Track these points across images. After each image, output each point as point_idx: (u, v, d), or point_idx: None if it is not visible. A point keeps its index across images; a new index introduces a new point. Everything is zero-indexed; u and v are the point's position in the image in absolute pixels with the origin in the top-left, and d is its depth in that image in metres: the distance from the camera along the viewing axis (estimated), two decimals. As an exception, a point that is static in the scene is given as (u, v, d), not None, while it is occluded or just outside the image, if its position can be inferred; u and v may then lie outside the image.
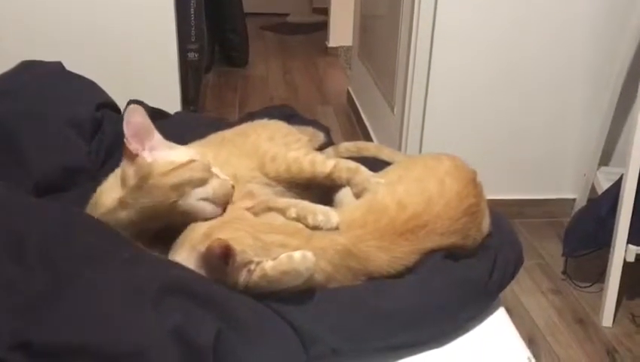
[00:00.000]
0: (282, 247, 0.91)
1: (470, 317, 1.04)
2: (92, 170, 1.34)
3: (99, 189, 1.04)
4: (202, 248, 0.89)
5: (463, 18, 2.26)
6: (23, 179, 1.20)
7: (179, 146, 1.04)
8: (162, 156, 0.99)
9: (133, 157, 0.98)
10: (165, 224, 0.98)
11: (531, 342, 1.91)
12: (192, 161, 0.99)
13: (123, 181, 0.99)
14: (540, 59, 2.33)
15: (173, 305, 0.81)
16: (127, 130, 0.97)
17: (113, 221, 0.98)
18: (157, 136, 1.01)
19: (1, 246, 0.88)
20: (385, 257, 0.99)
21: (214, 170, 1.03)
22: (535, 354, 1.84)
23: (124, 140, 0.98)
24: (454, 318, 1.02)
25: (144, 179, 0.96)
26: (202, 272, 0.90)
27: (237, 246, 0.87)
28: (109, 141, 1.39)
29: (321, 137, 1.46)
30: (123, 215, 0.97)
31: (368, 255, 0.98)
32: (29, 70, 1.48)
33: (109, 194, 1.00)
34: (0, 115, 1.31)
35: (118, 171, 1.02)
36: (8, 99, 1.36)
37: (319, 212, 1.00)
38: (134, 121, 0.98)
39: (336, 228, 0.98)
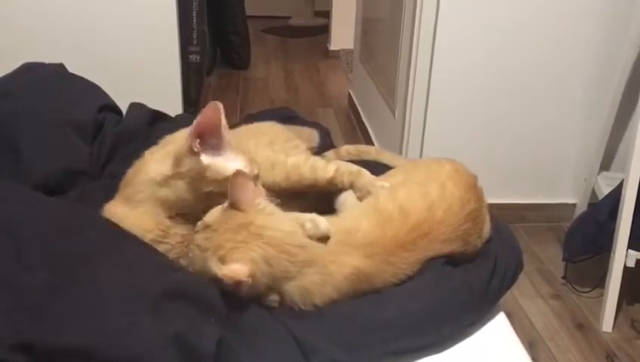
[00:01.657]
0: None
1: (470, 323, 1.04)
2: (93, 172, 1.35)
3: (148, 156, 1.06)
4: (218, 271, 0.88)
5: (464, 22, 2.26)
6: (23, 180, 1.20)
7: (239, 154, 1.05)
8: (217, 163, 1.01)
9: (191, 151, 1.00)
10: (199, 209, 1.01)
11: (531, 346, 1.91)
12: None
13: (176, 161, 1.01)
14: (540, 64, 2.33)
15: (175, 310, 0.81)
16: (194, 125, 0.99)
17: (151, 192, 1.02)
18: (224, 138, 1.02)
19: (0, 242, 0.87)
20: (390, 271, 0.98)
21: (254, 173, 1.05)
22: (535, 359, 1.84)
23: (189, 133, 1.00)
24: (454, 324, 1.01)
25: (194, 176, 1.00)
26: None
27: (249, 272, 0.88)
28: (111, 143, 1.40)
29: (316, 137, 1.45)
30: (162, 192, 1.02)
31: (377, 271, 0.97)
32: (31, 72, 1.48)
33: (158, 166, 1.03)
34: (1, 115, 1.31)
35: (171, 147, 1.04)
36: (10, 100, 1.36)
37: (306, 220, 0.98)
38: (204, 119, 1.00)
39: (327, 234, 0.97)
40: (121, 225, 1.01)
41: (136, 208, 1.02)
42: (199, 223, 0.97)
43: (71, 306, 0.79)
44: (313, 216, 0.99)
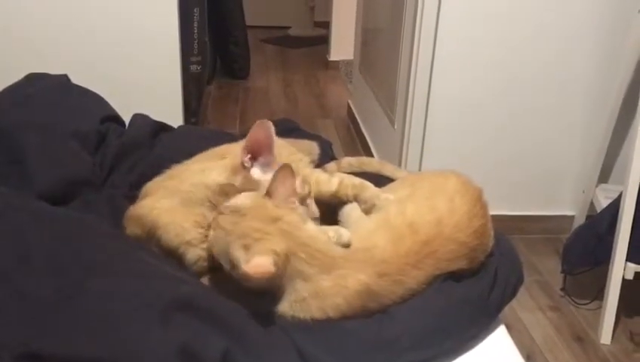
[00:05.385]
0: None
1: (471, 337, 1.05)
2: (96, 182, 1.35)
3: (205, 160, 1.10)
4: (243, 262, 0.89)
5: (464, 34, 2.27)
6: (27, 190, 1.20)
7: None
8: (267, 180, 1.03)
9: (243, 166, 1.05)
10: None
11: (530, 358, 1.91)
12: None
13: (232, 172, 1.06)
14: (539, 77, 2.35)
15: (181, 322, 0.82)
16: (246, 141, 1.04)
17: (204, 196, 1.05)
18: (274, 155, 1.07)
19: (8, 251, 0.88)
20: (400, 291, 0.98)
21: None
22: (534, 371, 1.85)
23: (242, 149, 1.05)
24: (456, 338, 1.02)
25: (246, 190, 1.03)
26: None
27: (273, 263, 0.89)
28: (114, 154, 1.40)
29: (316, 149, 1.46)
30: (215, 199, 1.04)
31: (387, 291, 0.97)
32: (35, 83, 1.49)
33: (216, 177, 1.07)
34: (5, 126, 1.32)
35: (229, 161, 1.08)
36: (14, 110, 1.37)
37: (330, 230, 1.00)
38: (255, 135, 1.05)
39: (348, 245, 0.99)
40: (163, 216, 1.03)
41: (183, 205, 1.04)
42: (226, 204, 0.97)
43: (78, 316, 0.79)
44: (337, 227, 1.03)
